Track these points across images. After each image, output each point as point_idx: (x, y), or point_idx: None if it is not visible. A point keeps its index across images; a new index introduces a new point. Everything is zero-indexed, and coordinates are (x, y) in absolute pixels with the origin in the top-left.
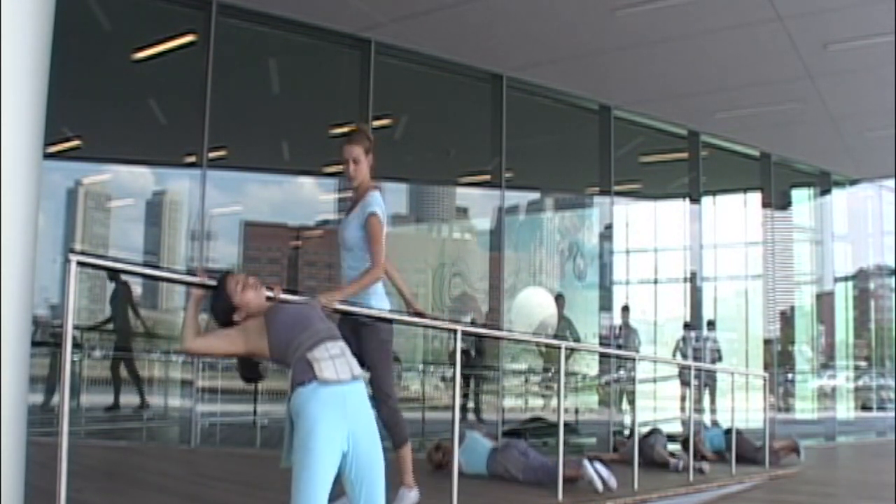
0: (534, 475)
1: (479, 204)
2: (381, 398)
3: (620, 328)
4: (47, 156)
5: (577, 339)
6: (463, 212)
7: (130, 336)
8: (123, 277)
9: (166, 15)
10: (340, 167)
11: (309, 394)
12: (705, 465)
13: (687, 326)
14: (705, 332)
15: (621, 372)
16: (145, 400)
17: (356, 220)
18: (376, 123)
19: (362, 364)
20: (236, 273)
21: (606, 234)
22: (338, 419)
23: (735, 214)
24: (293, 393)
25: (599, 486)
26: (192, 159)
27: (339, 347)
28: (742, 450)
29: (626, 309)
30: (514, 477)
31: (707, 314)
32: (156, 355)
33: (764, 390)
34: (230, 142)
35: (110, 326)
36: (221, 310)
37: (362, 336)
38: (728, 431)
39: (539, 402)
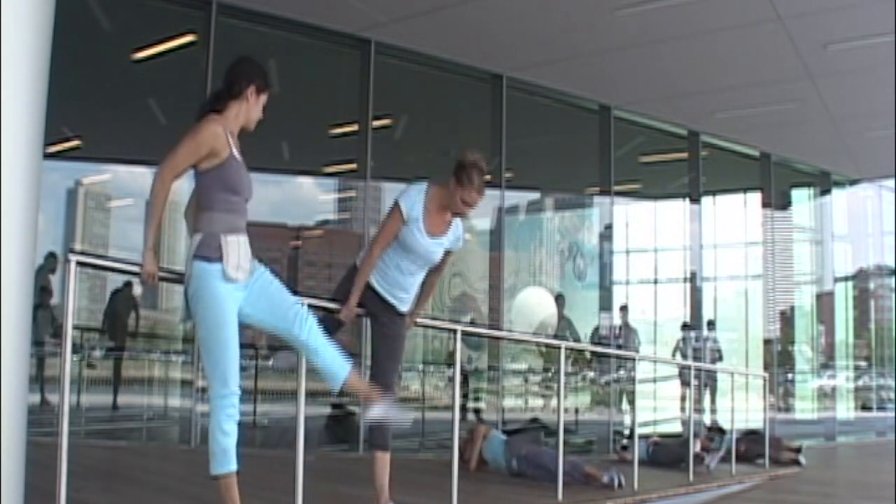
0: (541, 462)
1: (479, 204)
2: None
3: (620, 328)
4: (47, 156)
5: (577, 339)
6: None
7: (126, 336)
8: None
9: (166, 15)
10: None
11: (215, 273)
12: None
13: (687, 326)
14: (705, 332)
15: (621, 372)
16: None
17: (444, 245)
18: (376, 123)
19: (381, 350)
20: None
21: (606, 234)
22: (234, 297)
23: (735, 214)
24: (196, 260)
25: (615, 484)
26: None
27: (247, 246)
28: (755, 449)
29: (624, 308)
30: (520, 466)
31: (707, 314)
32: (156, 355)
33: (764, 390)
34: None
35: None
36: (229, 88)
37: (396, 322)
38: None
39: (539, 402)
